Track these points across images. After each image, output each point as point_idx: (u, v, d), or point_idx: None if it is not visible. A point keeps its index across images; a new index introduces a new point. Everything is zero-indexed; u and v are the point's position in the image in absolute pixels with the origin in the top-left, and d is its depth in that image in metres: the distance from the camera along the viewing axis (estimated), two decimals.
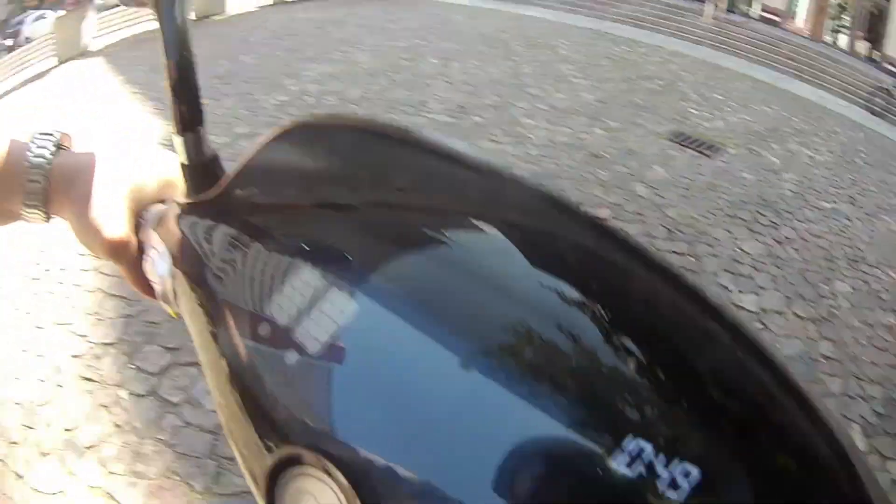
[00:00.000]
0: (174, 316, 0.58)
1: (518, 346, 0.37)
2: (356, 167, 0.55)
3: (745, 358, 0.40)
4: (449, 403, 0.35)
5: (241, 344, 0.45)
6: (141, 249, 0.62)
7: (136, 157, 0.64)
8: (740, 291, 4.52)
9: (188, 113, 0.58)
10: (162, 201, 0.64)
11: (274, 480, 0.39)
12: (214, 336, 0.49)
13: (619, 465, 0.31)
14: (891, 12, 12.81)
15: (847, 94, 10.96)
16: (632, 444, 0.31)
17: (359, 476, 0.35)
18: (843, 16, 13.84)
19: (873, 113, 10.52)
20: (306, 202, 0.53)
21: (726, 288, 4.50)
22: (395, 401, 0.36)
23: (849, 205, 6.56)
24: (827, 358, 4.05)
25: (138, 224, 0.62)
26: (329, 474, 0.35)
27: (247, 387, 0.44)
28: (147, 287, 0.62)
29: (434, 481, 0.33)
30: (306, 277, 0.43)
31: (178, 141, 0.59)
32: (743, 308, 4.32)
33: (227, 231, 0.55)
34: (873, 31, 13.10)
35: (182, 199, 0.61)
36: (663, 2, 13.67)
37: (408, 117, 6.04)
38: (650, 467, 0.31)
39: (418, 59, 8.20)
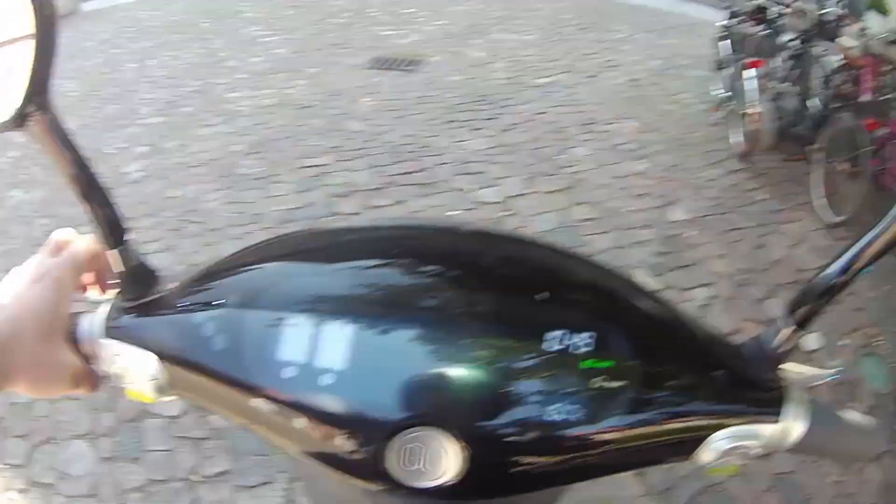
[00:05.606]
0: (152, 401, 0.67)
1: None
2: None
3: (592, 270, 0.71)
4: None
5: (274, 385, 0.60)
6: (89, 362, 0.67)
7: (29, 287, 0.63)
8: (480, 188, 4.59)
9: (112, 229, 0.65)
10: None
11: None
12: (246, 392, 0.61)
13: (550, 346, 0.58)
14: None
15: None
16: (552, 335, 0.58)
17: None
18: None
19: None
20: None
21: (462, 190, 4.57)
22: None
23: (566, 74, 6.83)
24: (586, 220, 4.21)
25: (74, 342, 0.66)
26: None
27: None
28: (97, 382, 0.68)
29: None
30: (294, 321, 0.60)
31: (111, 254, 0.66)
32: (487, 202, 4.41)
33: (206, 313, 0.64)
34: None
35: (125, 303, 0.68)
36: None
37: (124, 129, 5.71)
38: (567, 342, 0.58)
39: (116, 66, 7.60)
